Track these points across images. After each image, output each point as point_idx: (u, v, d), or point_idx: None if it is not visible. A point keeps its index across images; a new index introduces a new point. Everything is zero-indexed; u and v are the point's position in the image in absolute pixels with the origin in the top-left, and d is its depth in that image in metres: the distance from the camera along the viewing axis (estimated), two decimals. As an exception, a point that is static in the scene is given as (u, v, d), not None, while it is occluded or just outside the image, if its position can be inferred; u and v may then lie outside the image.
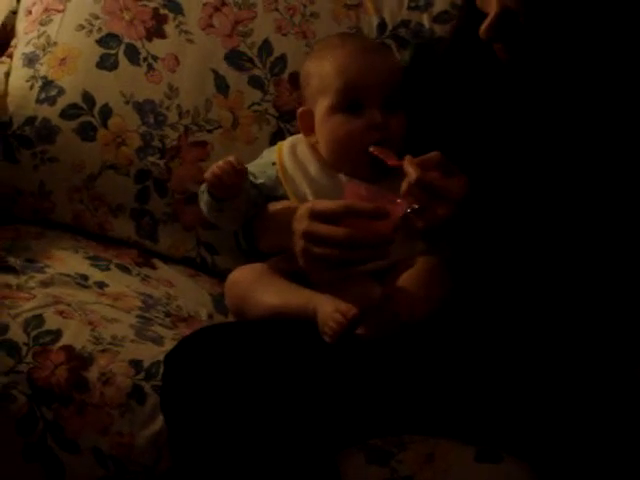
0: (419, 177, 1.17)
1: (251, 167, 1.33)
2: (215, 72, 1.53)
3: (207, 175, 1.26)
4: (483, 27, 1.18)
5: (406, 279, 1.23)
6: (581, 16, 1.18)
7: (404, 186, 1.19)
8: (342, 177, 1.27)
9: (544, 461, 1.15)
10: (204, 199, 1.29)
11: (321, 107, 1.29)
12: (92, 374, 1.26)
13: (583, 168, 1.23)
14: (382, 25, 1.54)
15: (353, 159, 1.27)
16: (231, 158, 1.25)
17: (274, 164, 1.32)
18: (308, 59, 1.34)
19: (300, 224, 1.20)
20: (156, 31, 1.54)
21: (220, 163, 1.25)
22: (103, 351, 1.28)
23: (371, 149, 1.25)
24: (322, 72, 1.29)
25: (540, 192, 1.23)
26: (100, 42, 1.53)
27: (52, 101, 1.52)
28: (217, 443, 1.12)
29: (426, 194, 1.17)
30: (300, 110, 1.32)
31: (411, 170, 1.18)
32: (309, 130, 1.31)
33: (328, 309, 1.17)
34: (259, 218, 1.31)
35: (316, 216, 1.19)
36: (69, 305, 1.34)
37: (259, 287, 1.26)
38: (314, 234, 1.19)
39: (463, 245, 1.24)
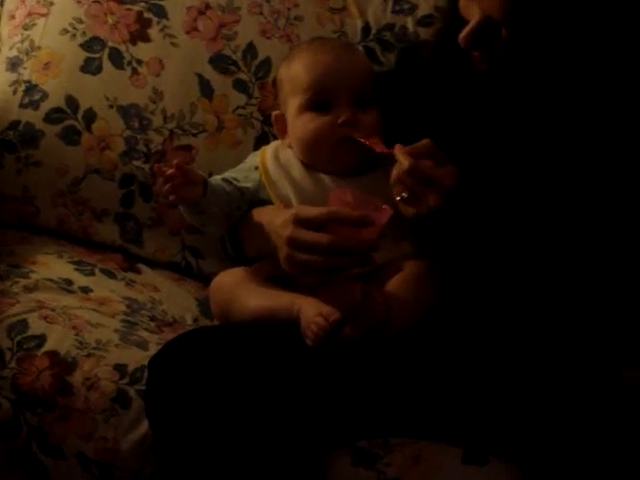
0: (411, 165, 1.16)
1: (234, 172, 1.34)
2: (200, 76, 1.53)
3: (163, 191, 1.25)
4: (462, 34, 1.18)
5: (393, 284, 1.23)
6: (563, 30, 1.19)
7: (394, 174, 1.18)
8: (327, 180, 1.27)
9: (531, 463, 1.14)
10: (181, 209, 1.29)
11: (291, 108, 1.29)
12: (76, 379, 1.25)
13: (563, 169, 1.23)
14: (366, 29, 1.54)
15: (324, 156, 1.27)
16: (164, 166, 1.24)
17: (257, 168, 1.32)
18: (281, 65, 1.35)
19: (284, 230, 1.20)
20: (140, 35, 1.53)
21: (157, 173, 1.24)
22: (87, 356, 1.27)
23: (357, 136, 1.25)
24: (292, 74, 1.30)
25: (521, 192, 1.23)
26: (84, 46, 1.53)
27: (36, 105, 1.52)
28: (202, 447, 1.11)
29: (417, 182, 1.17)
30: (274, 114, 1.33)
31: (402, 158, 1.17)
32: (284, 133, 1.32)
33: (311, 312, 1.17)
34: (244, 223, 1.31)
35: (300, 222, 1.19)
36: (53, 310, 1.33)
37: (243, 291, 1.26)
38: (298, 240, 1.19)
39: (452, 242, 1.24)
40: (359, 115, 1.27)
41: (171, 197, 1.24)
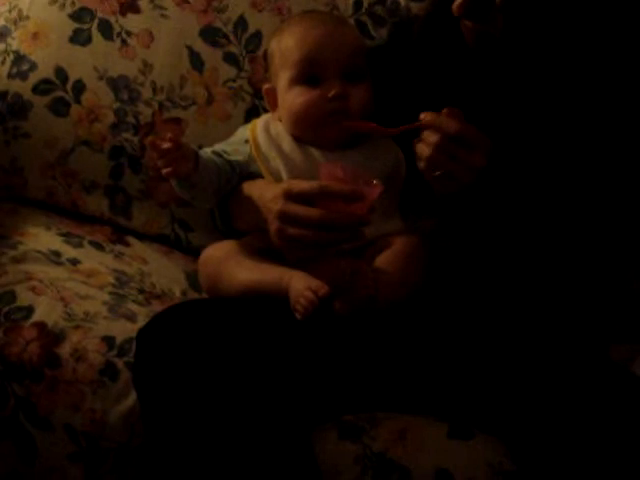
0: (461, 128, 1.14)
1: (225, 145, 1.33)
2: (190, 48, 1.52)
3: (159, 165, 1.24)
4: (457, 2, 1.18)
5: (383, 260, 1.23)
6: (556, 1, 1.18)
7: (426, 151, 1.16)
8: (317, 154, 1.27)
9: (515, 438, 1.15)
10: (171, 182, 1.29)
11: (282, 81, 1.29)
12: (64, 350, 1.25)
13: (556, 142, 1.23)
14: (358, 2, 1.53)
15: (313, 130, 1.27)
16: (157, 138, 1.23)
17: (247, 141, 1.31)
18: (272, 38, 1.34)
19: (275, 204, 1.20)
20: (130, 6, 1.52)
21: (150, 146, 1.23)
22: (76, 327, 1.27)
23: (353, 125, 1.24)
24: (282, 47, 1.29)
25: (514, 166, 1.23)
26: (73, 16, 1.52)
27: (24, 76, 1.51)
28: (189, 419, 1.12)
29: (463, 146, 1.15)
30: (265, 87, 1.33)
31: (448, 123, 1.14)
32: (274, 106, 1.31)
33: (300, 286, 1.17)
34: (234, 197, 1.31)
35: (291, 197, 1.19)
36: (41, 281, 1.33)
37: (232, 264, 1.26)
38: (289, 214, 1.19)
39: (445, 217, 1.23)
40: (349, 89, 1.26)
41: (164, 171, 1.23)
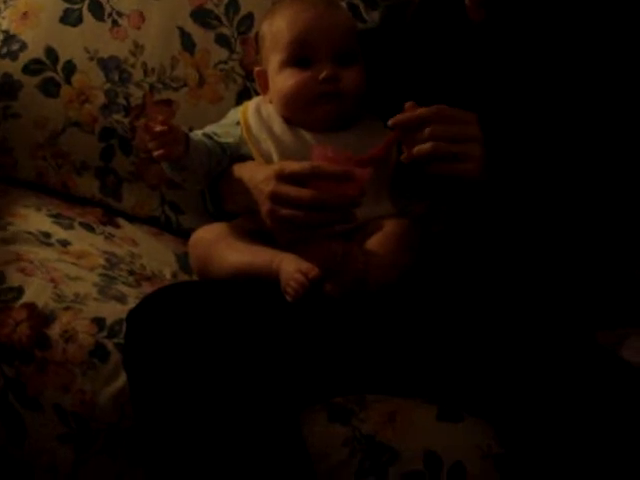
0: (438, 108, 1.14)
1: (216, 127, 1.33)
2: (181, 30, 1.51)
3: (151, 148, 1.23)
4: None
5: (374, 243, 1.23)
6: None
7: (425, 147, 1.14)
8: (308, 137, 1.27)
9: (504, 421, 1.16)
10: (162, 164, 1.28)
11: (273, 64, 1.29)
12: (54, 332, 1.25)
13: (560, 127, 1.23)
14: (351, -15, 1.53)
15: (304, 112, 1.27)
16: (150, 120, 1.22)
17: (238, 123, 1.31)
18: (263, 20, 1.33)
19: (267, 185, 1.20)
20: (121, -14, 1.52)
21: (143, 129, 1.22)
22: (66, 309, 1.27)
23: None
24: (273, 30, 1.29)
25: (513, 150, 1.23)
26: (63, -4, 1.51)
27: (14, 56, 1.50)
28: (179, 401, 1.12)
29: (448, 142, 1.14)
30: (256, 70, 1.33)
31: (425, 110, 1.14)
32: (265, 89, 1.31)
33: (290, 268, 1.17)
34: (225, 179, 1.31)
35: (283, 178, 1.19)
36: (31, 262, 1.32)
37: (223, 246, 1.26)
38: (280, 195, 1.18)
39: (439, 202, 1.23)
40: (341, 71, 1.26)
41: (156, 153, 1.23)
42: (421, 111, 1.16)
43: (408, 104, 1.17)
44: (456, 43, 1.28)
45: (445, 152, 1.15)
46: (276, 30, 1.29)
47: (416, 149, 1.15)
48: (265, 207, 1.20)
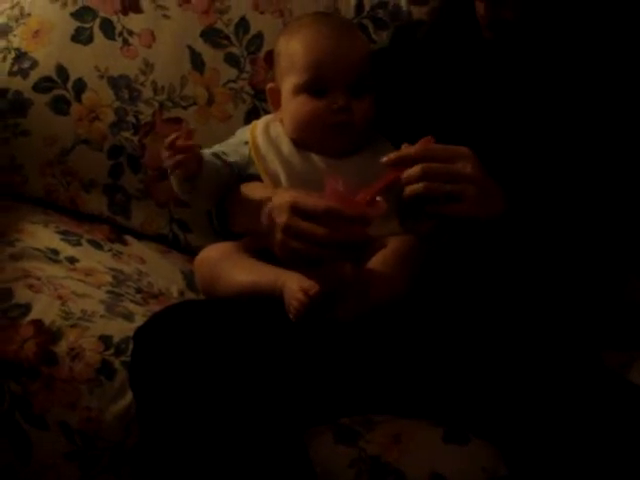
0: (423, 148, 1.13)
1: (224, 146, 1.33)
2: (191, 49, 1.52)
3: (165, 163, 1.24)
4: None
5: (378, 261, 1.23)
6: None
7: (418, 187, 1.13)
8: (317, 159, 1.27)
9: (510, 443, 1.15)
10: (172, 181, 1.29)
11: (287, 85, 1.29)
12: (61, 349, 1.25)
13: (572, 146, 1.23)
14: (359, 6, 1.53)
15: (315, 139, 1.28)
16: (175, 135, 1.23)
17: (247, 143, 1.32)
18: (280, 37, 1.34)
19: (280, 217, 1.20)
20: (132, 5, 1.52)
21: (167, 143, 1.23)
22: (73, 326, 1.27)
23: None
24: (290, 51, 1.29)
25: (527, 173, 1.23)
26: (75, 15, 1.52)
27: (25, 74, 1.51)
28: (185, 420, 1.12)
29: (442, 181, 1.13)
30: (269, 87, 1.33)
31: (413, 148, 1.13)
32: (277, 106, 1.32)
33: (294, 287, 1.17)
34: (231, 199, 1.31)
35: (297, 211, 1.19)
36: (39, 279, 1.33)
37: (228, 265, 1.26)
38: (294, 229, 1.19)
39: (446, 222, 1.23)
40: (353, 102, 1.27)
41: (176, 171, 1.23)
42: (410, 150, 1.15)
43: (404, 144, 1.17)
44: (470, 63, 1.28)
45: (438, 192, 1.14)
46: (293, 52, 1.29)
47: (408, 189, 1.15)
48: (277, 238, 1.20)
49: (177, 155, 1.22)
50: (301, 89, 1.28)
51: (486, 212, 1.15)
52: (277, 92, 1.31)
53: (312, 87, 1.27)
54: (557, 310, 1.25)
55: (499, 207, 1.16)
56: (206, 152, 1.31)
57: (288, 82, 1.29)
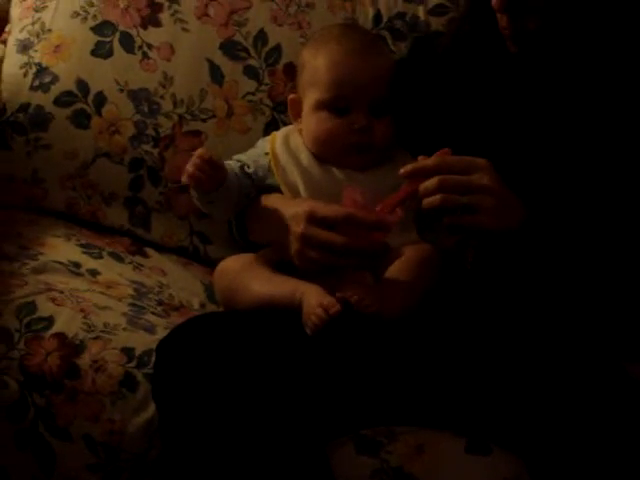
0: (441, 159, 1.13)
1: (244, 157, 1.34)
2: (210, 61, 1.53)
3: (184, 179, 1.25)
4: None
5: (394, 270, 1.23)
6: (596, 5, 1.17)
7: (434, 200, 1.13)
8: (336, 172, 1.28)
9: (533, 454, 1.15)
10: (193, 193, 1.29)
11: (309, 99, 1.29)
12: (84, 361, 1.26)
13: (594, 161, 1.22)
14: (378, 17, 1.54)
15: (335, 155, 1.28)
16: (201, 152, 1.24)
17: (267, 154, 1.32)
18: (306, 46, 1.34)
19: (297, 226, 1.20)
20: (151, 19, 1.53)
21: (193, 160, 1.24)
22: (95, 339, 1.28)
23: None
24: (315, 65, 1.29)
25: (548, 187, 1.23)
26: (95, 30, 1.53)
27: (46, 88, 1.52)
28: (208, 432, 1.12)
29: (458, 194, 1.13)
30: (290, 97, 1.33)
31: (429, 160, 1.13)
32: (298, 116, 1.32)
33: (313, 302, 1.18)
34: (251, 210, 1.32)
35: (314, 220, 1.19)
36: (61, 292, 1.33)
37: (247, 277, 1.27)
38: (312, 238, 1.19)
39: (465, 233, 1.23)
40: (374, 122, 1.27)
41: (200, 185, 1.24)
42: (426, 162, 1.16)
43: (420, 156, 1.17)
44: (492, 75, 1.28)
45: (454, 203, 1.14)
46: (317, 66, 1.29)
47: (425, 201, 1.15)
48: (295, 247, 1.20)
49: (205, 168, 1.22)
50: (322, 106, 1.28)
51: (504, 224, 1.15)
52: (299, 103, 1.32)
53: (334, 105, 1.27)
54: (580, 320, 1.25)
55: (518, 218, 1.16)
56: (228, 163, 1.32)
57: (310, 97, 1.29)
